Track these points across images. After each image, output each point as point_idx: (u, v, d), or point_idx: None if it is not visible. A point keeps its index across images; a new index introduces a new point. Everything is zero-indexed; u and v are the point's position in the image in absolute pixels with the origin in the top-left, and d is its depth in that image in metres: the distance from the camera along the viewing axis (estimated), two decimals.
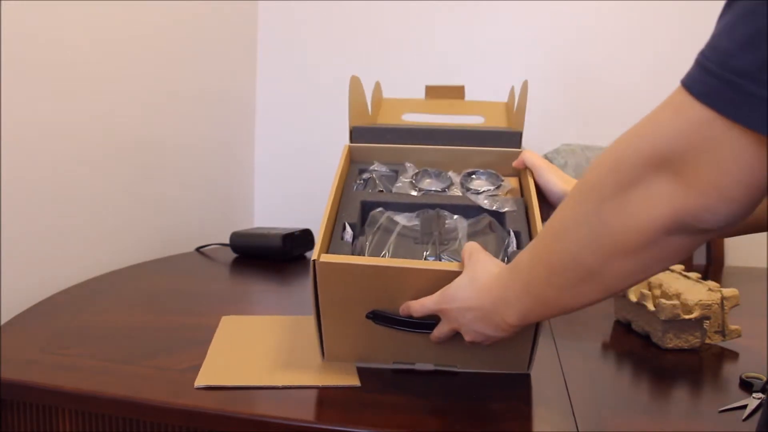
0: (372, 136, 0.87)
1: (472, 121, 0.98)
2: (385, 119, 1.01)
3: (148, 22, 1.24)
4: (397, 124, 0.90)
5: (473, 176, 0.82)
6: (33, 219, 0.99)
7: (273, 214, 1.78)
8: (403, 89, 1.70)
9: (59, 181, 1.04)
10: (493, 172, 0.83)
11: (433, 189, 0.81)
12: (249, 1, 1.66)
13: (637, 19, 1.51)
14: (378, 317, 0.66)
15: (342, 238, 0.71)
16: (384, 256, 0.68)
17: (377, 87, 1.02)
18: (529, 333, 0.64)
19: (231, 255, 1.31)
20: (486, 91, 1.63)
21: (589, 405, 0.63)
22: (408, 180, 0.82)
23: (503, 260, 0.67)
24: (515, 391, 0.66)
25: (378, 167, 0.85)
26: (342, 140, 1.77)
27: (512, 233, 0.71)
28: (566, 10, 1.54)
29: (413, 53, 1.64)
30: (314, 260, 0.63)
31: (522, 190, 0.81)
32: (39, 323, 0.85)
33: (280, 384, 0.65)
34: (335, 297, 0.65)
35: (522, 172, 0.81)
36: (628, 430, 0.58)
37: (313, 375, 0.68)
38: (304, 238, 1.32)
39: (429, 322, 0.65)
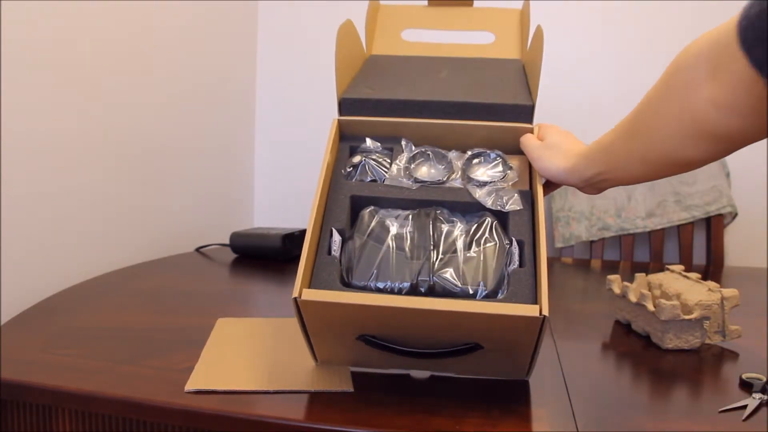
0: (363, 108, 0.75)
1: (482, 39, 0.86)
2: (383, 42, 0.88)
3: (148, 23, 1.24)
4: (391, 96, 0.77)
5: (477, 159, 0.73)
6: (33, 219, 0.99)
7: (273, 214, 1.78)
8: None
9: (59, 181, 1.04)
10: (499, 154, 0.73)
11: (430, 180, 0.72)
12: (249, 1, 1.66)
13: (637, 22, 1.51)
14: (368, 342, 0.63)
15: (329, 252, 0.66)
16: (373, 273, 0.64)
17: (371, 8, 0.89)
18: (530, 343, 0.61)
19: (231, 255, 1.31)
20: None
21: (589, 405, 0.63)
22: (403, 165, 0.73)
23: (503, 276, 0.64)
24: (514, 390, 0.66)
25: (370, 144, 0.76)
26: None
27: (515, 243, 0.66)
28: (566, 15, 1.54)
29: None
30: (295, 298, 0.59)
31: (531, 173, 0.74)
32: (39, 323, 0.85)
33: (271, 388, 0.65)
34: (322, 325, 0.63)
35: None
36: (628, 430, 0.58)
37: (306, 379, 0.67)
38: (304, 238, 1.32)
39: (424, 351, 0.63)
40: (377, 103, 0.76)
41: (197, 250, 1.37)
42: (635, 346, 0.81)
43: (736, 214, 1.43)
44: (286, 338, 0.79)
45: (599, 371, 0.73)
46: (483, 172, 0.73)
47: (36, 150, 0.99)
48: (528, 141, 0.73)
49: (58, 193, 1.04)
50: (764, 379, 0.68)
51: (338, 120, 0.76)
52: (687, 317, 0.77)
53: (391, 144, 0.76)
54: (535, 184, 0.70)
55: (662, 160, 0.59)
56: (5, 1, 0.90)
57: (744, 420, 0.61)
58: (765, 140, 1.56)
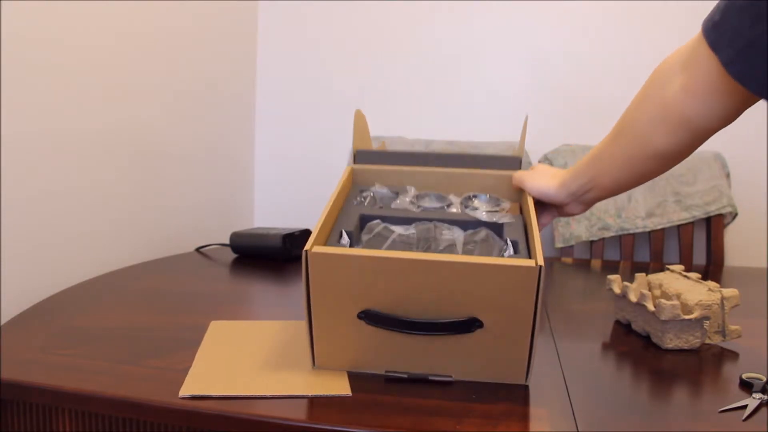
0: (375, 159, 0.91)
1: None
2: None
3: (148, 23, 1.24)
4: (398, 149, 0.92)
5: (474, 199, 0.84)
6: (33, 219, 0.99)
7: (273, 214, 1.78)
8: (403, 88, 1.71)
9: (59, 182, 1.04)
10: (494, 196, 0.85)
11: (433, 206, 0.82)
12: (249, 1, 1.66)
13: (637, 23, 1.51)
14: (370, 316, 0.65)
15: (338, 244, 0.71)
16: None
17: (382, 145, 1.06)
18: (528, 310, 0.63)
19: (231, 255, 1.31)
20: (487, 92, 1.63)
21: (589, 405, 0.63)
22: (408, 200, 0.83)
23: None
24: (514, 390, 0.66)
25: (379, 188, 0.87)
26: (342, 141, 1.78)
27: (509, 242, 0.71)
28: (567, 15, 1.54)
29: (414, 52, 1.64)
30: (306, 250, 0.63)
31: (522, 211, 0.83)
32: (39, 323, 0.85)
33: (268, 393, 0.64)
34: (327, 292, 0.65)
35: (521, 195, 0.84)
36: (628, 430, 0.58)
37: (303, 383, 0.66)
38: (304, 238, 1.32)
39: (421, 321, 0.64)
40: (386, 156, 0.91)
41: (197, 250, 1.37)
42: (635, 346, 0.81)
43: (736, 214, 1.43)
44: (281, 342, 0.78)
45: (599, 371, 0.73)
46: (479, 204, 0.84)
47: (36, 150, 0.99)
48: (519, 172, 0.85)
49: (59, 193, 1.04)
50: (764, 379, 0.68)
51: (351, 168, 0.89)
52: (687, 317, 0.77)
53: (397, 190, 0.87)
54: (526, 202, 0.78)
55: (641, 152, 0.67)
56: (5, 0, 0.90)
57: (744, 420, 0.61)
58: (765, 140, 1.56)
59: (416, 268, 0.62)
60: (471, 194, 0.85)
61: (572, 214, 0.81)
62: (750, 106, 0.59)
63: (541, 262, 0.60)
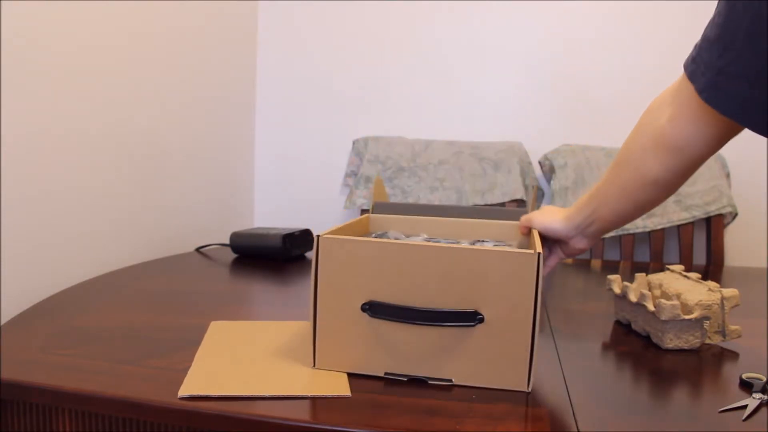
0: (391, 210, 1.01)
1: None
2: None
3: (149, 24, 1.24)
4: (413, 200, 1.03)
5: (482, 242, 0.91)
6: (33, 219, 0.99)
7: (273, 214, 1.78)
8: (403, 88, 1.71)
9: (60, 182, 1.04)
10: (501, 240, 0.93)
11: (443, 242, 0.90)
12: (249, 1, 1.66)
13: (637, 23, 1.51)
14: (374, 308, 0.66)
15: None
16: None
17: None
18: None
19: (231, 255, 1.31)
20: (487, 92, 1.63)
21: (589, 405, 0.63)
22: (420, 240, 0.90)
23: None
24: (514, 390, 0.66)
25: (393, 233, 0.94)
26: (342, 141, 1.78)
27: None
28: (567, 15, 1.55)
29: (414, 52, 1.64)
30: (318, 235, 0.66)
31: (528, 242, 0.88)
32: (39, 323, 0.85)
33: (268, 393, 0.64)
34: (334, 281, 0.67)
35: (528, 239, 0.88)
36: (628, 430, 0.58)
37: (303, 383, 0.66)
38: (304, 238, 1.32)
39: (424, 309, 0.65)
40: (401, 207, 1.00)
41: (197, 250, 1.37)
42: (635, 346, 0.81)
43: (736, 214, 1.43)
44: (282, 342, 0.78)
45: (599, 371, 0.73)
46: (487, 245, 0.89)
47: (36, 151, 0.99)
48: (527, 215, 0.89)
49: (59, 193, 1.04)
50: (764, 379, 0.68)
51: (369, 216, 0.97)
52: (687, 317, 0.77)
53: (410, 235, 0.95)
54: (532, 237, 0.81)
55: (637, 181, 0.72)
56: (5, 0, 0.90)
57: (744, 420, 0.61)
58: (765, 140, 1.56)
59: (420, 255, 0.65)
60: (479, 239, 0.93)
61: (578, 251, 0.84)
62: (735, 133, 0.64)
63: (539, 250, 0.63)
